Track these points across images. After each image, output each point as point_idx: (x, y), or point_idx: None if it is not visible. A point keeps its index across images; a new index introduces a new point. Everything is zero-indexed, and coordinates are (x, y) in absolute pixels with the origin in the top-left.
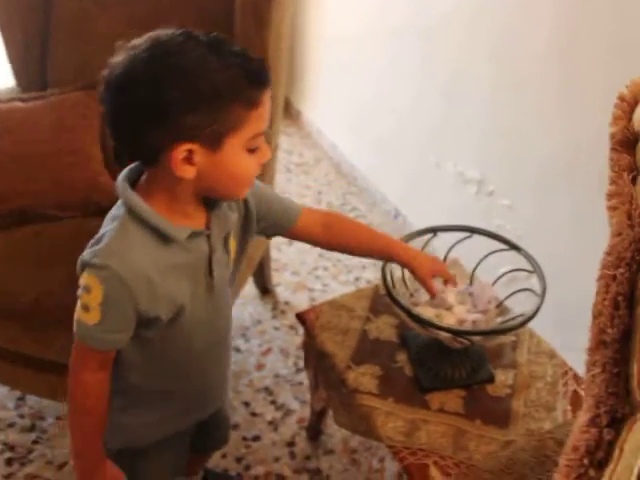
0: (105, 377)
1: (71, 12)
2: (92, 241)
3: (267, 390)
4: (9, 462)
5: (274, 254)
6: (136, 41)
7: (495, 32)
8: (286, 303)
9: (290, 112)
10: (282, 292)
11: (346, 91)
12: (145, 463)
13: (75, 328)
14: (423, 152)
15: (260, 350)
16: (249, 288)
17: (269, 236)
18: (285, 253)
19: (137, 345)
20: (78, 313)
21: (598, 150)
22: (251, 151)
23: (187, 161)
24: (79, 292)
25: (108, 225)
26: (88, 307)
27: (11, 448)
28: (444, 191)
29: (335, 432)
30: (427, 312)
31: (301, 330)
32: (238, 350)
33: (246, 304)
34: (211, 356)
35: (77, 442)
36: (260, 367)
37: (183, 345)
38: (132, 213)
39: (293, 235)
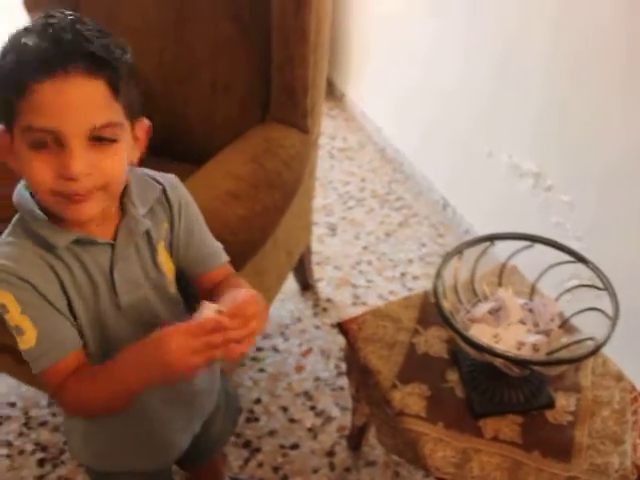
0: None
1: None
2: None
3: (306, 395)
4: (41, 463)
5: (315, 246)
6: None
7: (554, 2)
8: (328, 300)
9: (334, 94)
10: (324, 288)
11: (392, 71)
12: None
13: (28, 361)
14: (474, 139)
15: (300, 350)
16: (289, 283)
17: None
18: (327, 245)
19: None
20: (19, 343)
21: None
22: (36, 149)
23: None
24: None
25: None
26: (19, 327)
27: (43, 448)
28: (497, 183)
29: (378, 443)
30: (484, 332)
31: None
32: (276, 350)
33: (286, 300)
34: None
35: (123, 389)
36: (300, 369)
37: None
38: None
39: (198, 283)
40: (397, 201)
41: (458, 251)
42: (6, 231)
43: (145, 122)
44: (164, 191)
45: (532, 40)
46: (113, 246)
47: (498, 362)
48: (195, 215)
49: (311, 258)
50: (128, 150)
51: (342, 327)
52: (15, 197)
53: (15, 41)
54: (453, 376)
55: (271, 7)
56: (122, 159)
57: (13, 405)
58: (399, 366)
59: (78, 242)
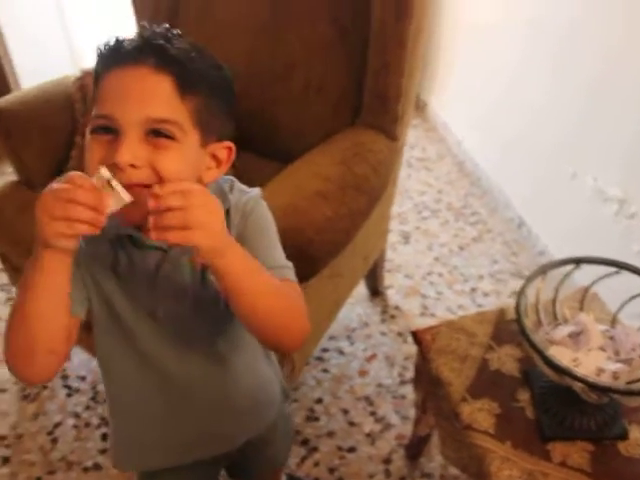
0: None
1: None
2: None
3: (367, 400)
4: (105, 437)
5: (388, 254)
6: None
7: None
8: (396, 308)
9: (416, 103)
10: (393, 295)
11: (477, 84)
12: None
13: None
14: (558, 159)
15: (365, 355)
16: (359, 288)
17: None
18: (400, 253)
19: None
20: None
21: None
22: (94, 134)
23: None
24: None
25: None
26: None
27: (107, 423)
28: (578, 206)
29: (435, 455)
30: (563, 354)
31: (409, 339)
32: (341, 352)
33: (355, 304)
34: (175, 387)
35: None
36: (363, 374)
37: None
38: None
39: None
40: (472, 215)
41: (542, 271)
42: None
43: (228, 144)
44: (228, 209)
45: (635, 55)
46: (166, 252)
47: (577, 386)
48: (258, 231)
49: (384, 265)
50: (192, 162)
51: (416, 336)
52: None
53: None
54: (524, 396)
55: (371, 14)
56: (180, 160)
57: (83, 379)
58: (470, 380)
59: (131, 239)
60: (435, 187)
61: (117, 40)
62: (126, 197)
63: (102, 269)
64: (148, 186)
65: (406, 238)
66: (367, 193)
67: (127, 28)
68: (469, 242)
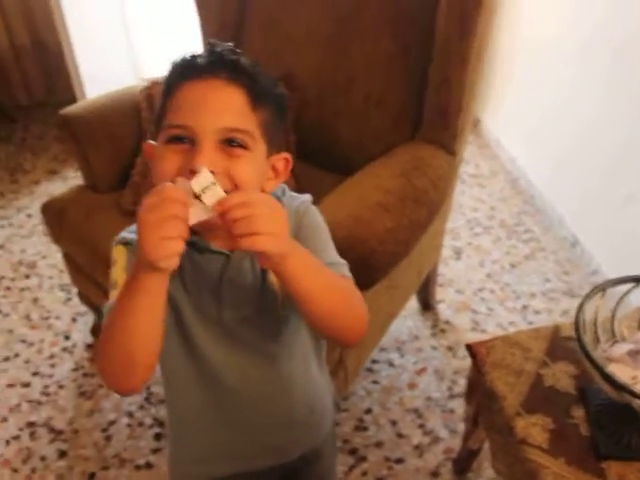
0: None
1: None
2: None
3: (416, 412)
4: (157, 437)
5: (439, 268)
6: None
7: None
8: (447, 322)
9: None
10: (444, 310)
11: (531, 102)
12: None
13: (103, 313)
14: (613, 178)
15: (414, 368)
16: (411, 301)
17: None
18: (451, 268)
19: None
20: (109, 297)
21: None
22: (169, 143)
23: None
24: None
25: None
26: (115, 282)
27: (160, 424)
28: (634, 225)
29: (483, 470)
30: (622, 372)
31: (459, 353)
32: (392, 364)
33: (406, 317)
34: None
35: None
36: (412, 386)
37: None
38: None
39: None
40: (525, 233)
41: (602, 288)
42: None
43: (286, 155)
44: None
45: None
46: (229, 257)
47: (636, 403)
48: (311, 232)
49: (436, 280)
50: (261, 171)
51: (471, 349)
52: None
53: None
54: (579, 413)
55: (435, 30)
56: (253, 168)
57: None
58: (524, 395)
59: (193, 245)
60: (488, 204)
61: (192, 54)
62: (211, 212)
63: (171, 277)
64: None
65: (458, 253)
66: (426, 206)
67: (190, 42)
68: (521, 260)
